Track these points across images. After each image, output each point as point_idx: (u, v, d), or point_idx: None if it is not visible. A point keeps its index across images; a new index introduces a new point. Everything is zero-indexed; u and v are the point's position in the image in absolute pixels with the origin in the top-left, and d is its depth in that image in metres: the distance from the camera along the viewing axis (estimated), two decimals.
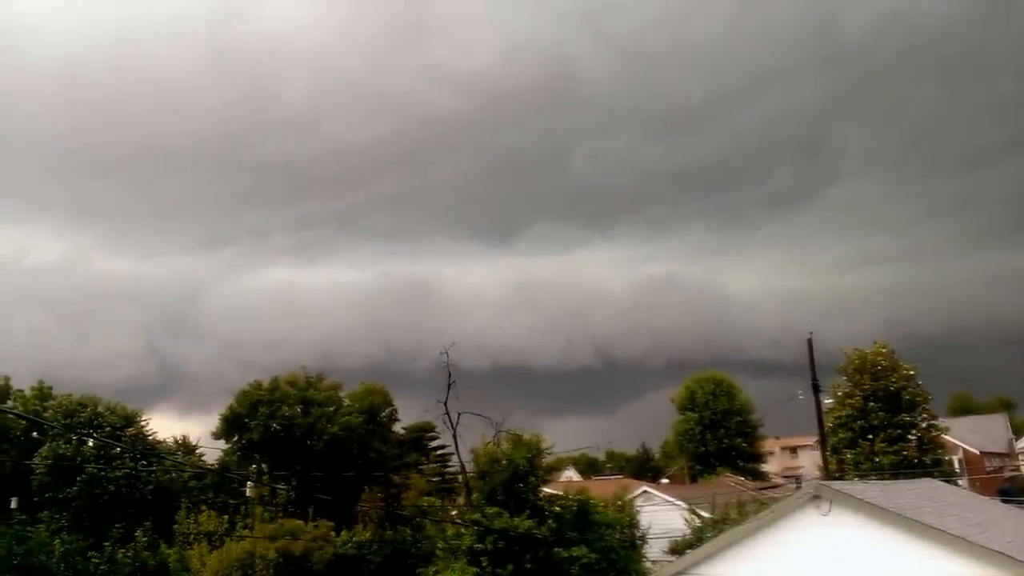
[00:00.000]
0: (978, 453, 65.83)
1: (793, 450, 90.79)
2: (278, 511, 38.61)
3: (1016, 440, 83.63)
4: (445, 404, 31.97)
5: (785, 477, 75.67)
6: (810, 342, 37.36)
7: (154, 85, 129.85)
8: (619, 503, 32.79)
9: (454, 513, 30.30)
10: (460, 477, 35.73)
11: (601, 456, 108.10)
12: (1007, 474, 69.47)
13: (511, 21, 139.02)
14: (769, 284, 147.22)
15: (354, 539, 34.54)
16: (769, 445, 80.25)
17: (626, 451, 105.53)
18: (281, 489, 40.72)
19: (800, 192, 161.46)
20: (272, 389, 45.60)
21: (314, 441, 44.25)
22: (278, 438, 43.56)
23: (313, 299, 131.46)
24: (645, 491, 43.47)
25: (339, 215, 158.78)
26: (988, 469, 65.03)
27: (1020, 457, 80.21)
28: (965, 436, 64.42)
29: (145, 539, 34.79)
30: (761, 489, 40.92)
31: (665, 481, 60.84)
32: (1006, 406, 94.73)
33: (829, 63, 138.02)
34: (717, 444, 67.70)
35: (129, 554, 33.48)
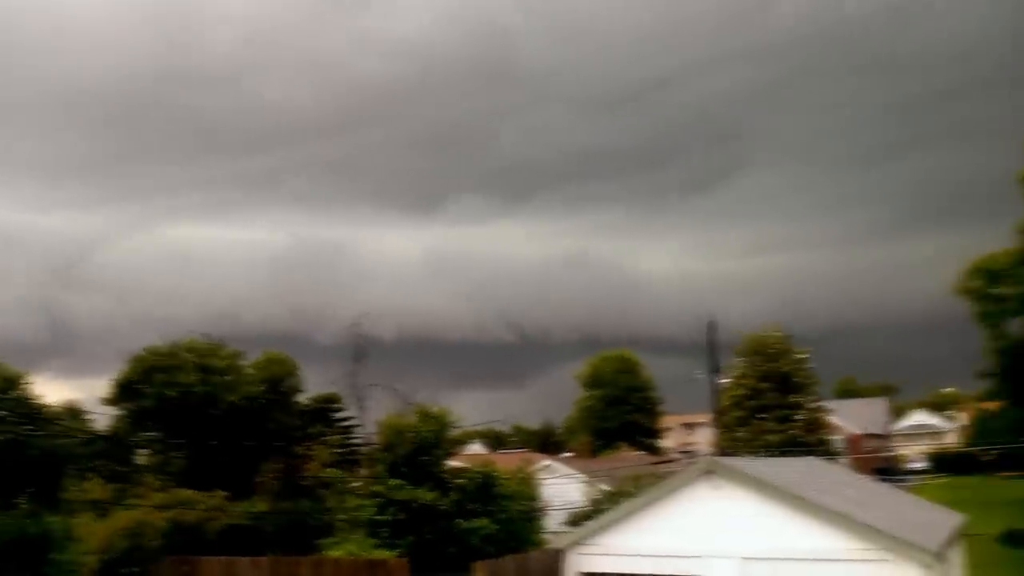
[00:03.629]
0: (859, 434, 70.15)
1: (690, 427, 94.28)
2: (171, 481, 37.43)
3: (894, 423, 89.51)
4: (352, 375, 31.57)
5: (681, 452, 78.55)
6: (709, 325, 38.69)
7: (60, 25, 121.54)
8: (522, 476, 33.29)
9: (355, 485, 30.10)
10: (364, 449, 35.48)
11: (507, 430, 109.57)
12: (884, 454, 74.31)
13: None
14: (678, 265, 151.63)
15: (250, 510, 33.87)
16: (668, 422, 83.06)
17: (532, 425, 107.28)
18: (175, 457, 39.47)
19: (712, 178, 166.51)
20: (170, 354, 43.94)
21: (213, 410, 42.98)
22: (174, 406, 42.11)
23: (220, 260, 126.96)
24: (548, 464, 44.33)
25: (257, 176, 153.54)
26: (867, 449, 69.35)
27: (897, 439, 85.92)
28: (848, 418, 68.44)
29: (27, 506, 33.10)
30: (657, 464, 42.37)
31: (568, 455, 62.18)
32: (887, 391, 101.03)
33: (750, 55, 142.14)
34: (619, 420, 69.63)
35: (9, 521, 31.79)
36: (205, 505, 32.78)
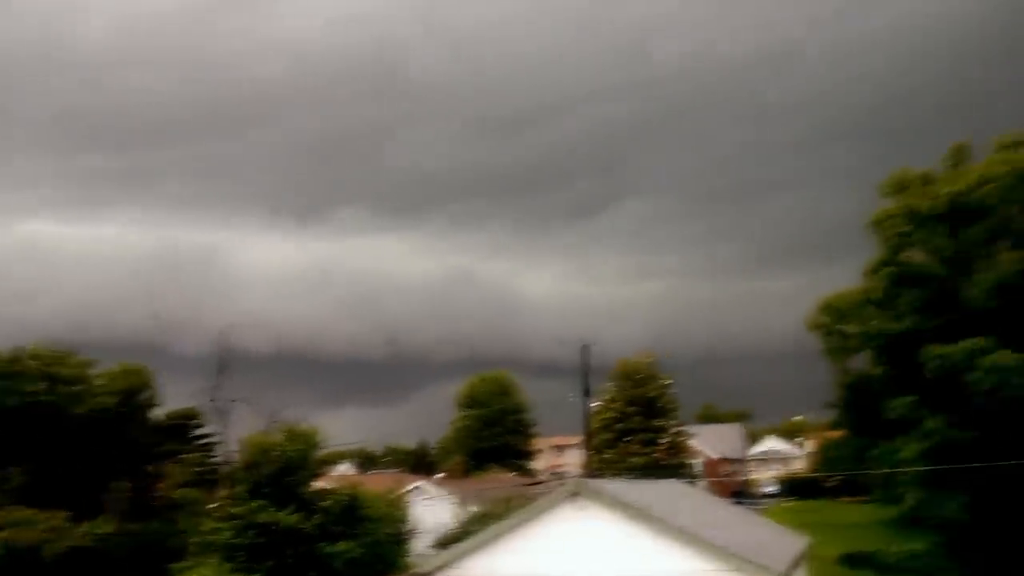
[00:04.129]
0: (717, 458, 73.58)
1: (561, 449, 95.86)
2: (6, 498, 34.39)
3: (748, 448, 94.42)
4: (215, 389, 30.18)
5: (552, 474, 79.75)
6: (584, 349, 39.63)
7: None
8: (391, 498, 32.76)
9: (213, 506, 28.66)
10: (225, 468, 33.90)
11: (381, 450, 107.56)
12: (739, 478, 78.18)
13: None
14: (560, 288, 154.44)
15: (94, 531, 31.56)
16: (540, 443, 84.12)
17: (407, 445, 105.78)
18: (12, 472, 36.33)
19: (595, 205, 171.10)
20: (12, 360, 40.53)
21: (58, 422, 39.90)
22: (15, 416, 38.81)
23: (81, 260, 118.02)
24: (419, 486, 43.85)
25: (130, 173, 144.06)
26: (724, 473, 72.79)
27: (751, 464, 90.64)
28: (707, 443, 71.66)
29: None
30: (528, 485, 42.82)
31: (441, 476, 61.74)
32: (743, 417, 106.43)
33: (634, 90, 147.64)
34: (493, 441, 69.92)
35: None
36: (44, 525, 30.30)
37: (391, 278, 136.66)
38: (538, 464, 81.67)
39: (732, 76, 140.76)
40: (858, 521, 44.25)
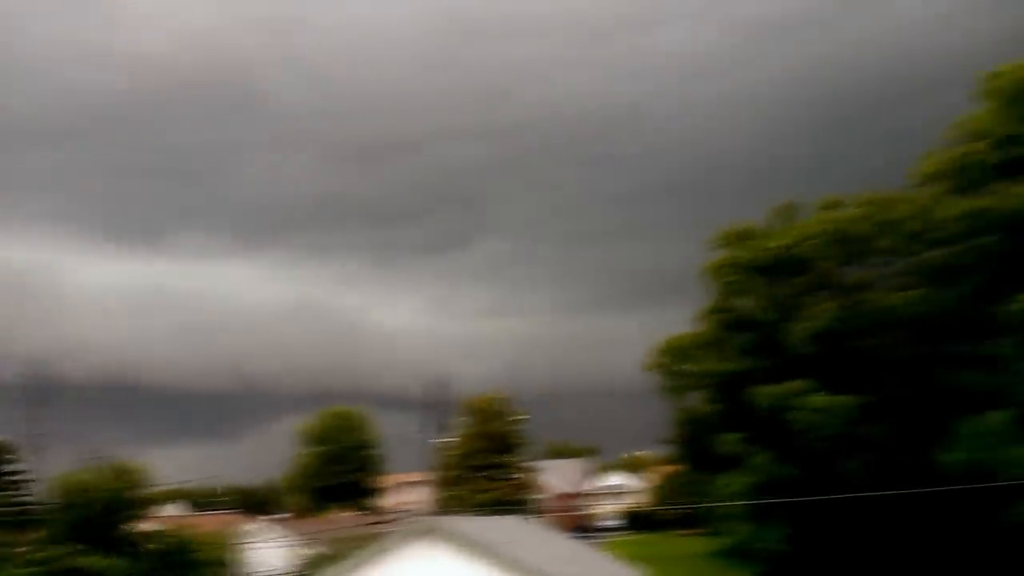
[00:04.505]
0: (563, 493, 75.05)
1: (410, 485, 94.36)
2: None
3: (593, 483, 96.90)
4: (28, 421, 27.45)
5: (399, 512, 78.15)
6: (436, 384, 39.42)
7: None
8: (223, 540, 30.93)
9: (20, 550, 25.86)
10: (36, 508, 30.77)
11: (217, 488, 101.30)
12: (583, 512, 79.99)
13: (192, 11, 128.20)
14: (416, 323, 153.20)
15: None
16: (389, 480, 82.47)
17: (247, 483, 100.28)
18: None
19: (455, 240, 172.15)
20: None
21: None
22: None
23: None
24: (257, 527, 41.70)
25: None
26: (569, 508, 74.25)
27: (594, 498, 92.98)
28: (554, 478, 73.00)
29: None
30: (374, 524, 41.75)
31: (280, 516, 58.94)
32: (588, 453, 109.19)
33: (497, 132, 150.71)
34: (339, 478, 67.76)
35: None
36: None
37: (237, 306, 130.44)
38: (385, 502, 79.93)
39: (585, 126, 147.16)
40: (692, 553, 46.34)
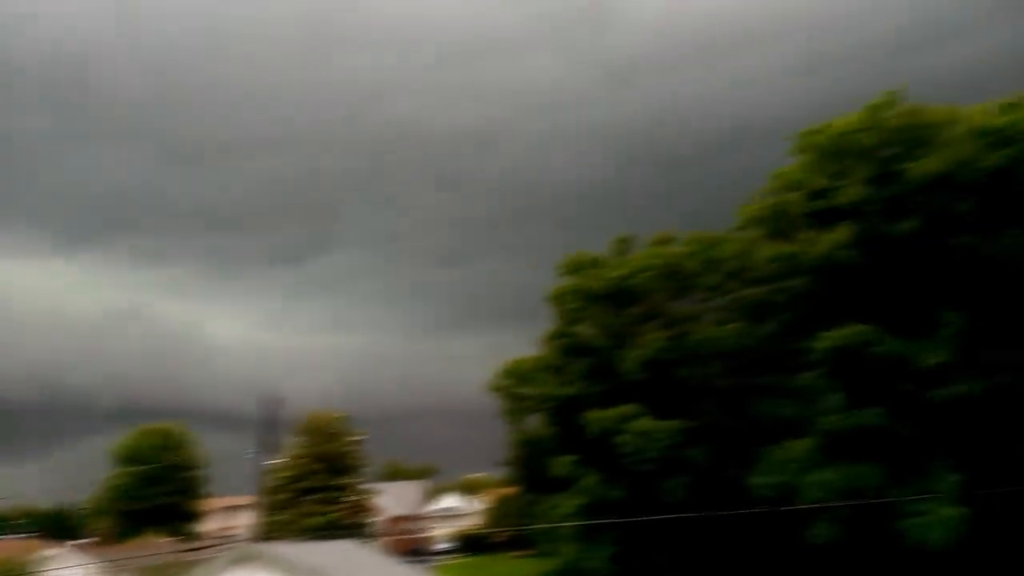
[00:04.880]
0: (398, 516, 73.98)
1: (234, 509, 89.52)
2: None
3: (429, 505, 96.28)
4: None
5: (221, 537, 73.88)
6: (268, 401, 37.83)
7: None
8: (19, 567, 27.96)
9: None
10: None
11: (13, 510, 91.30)
12: (417, 535, 79.21)
13: None
14: (251, 336, 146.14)
15: None
16: (212, 504, 77.85)
17: (48, 506, 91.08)
18: None
19: (300, 252, 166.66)
20: None
21: None
22: None
23: None
24: (59, 553, 37.99)
25: None
26: (404, 531, 73.26)
27: (430, 520, 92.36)
28: (390, 500, 71.84)
29: None
30: (191, 550, 39.18)
31: (87, 541, 53.99)
32: (426, 474, 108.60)
33: (357, 146, 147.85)
34: (156, 501, 63.15)
35: None
36: None
37: (50, 310, 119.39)
38: (206, 527, 75.35)
39: (444, 147, 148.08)
40: (522, 574, 47.02)
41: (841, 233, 28.39)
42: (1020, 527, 27.76)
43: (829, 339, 26.88)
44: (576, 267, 35.34)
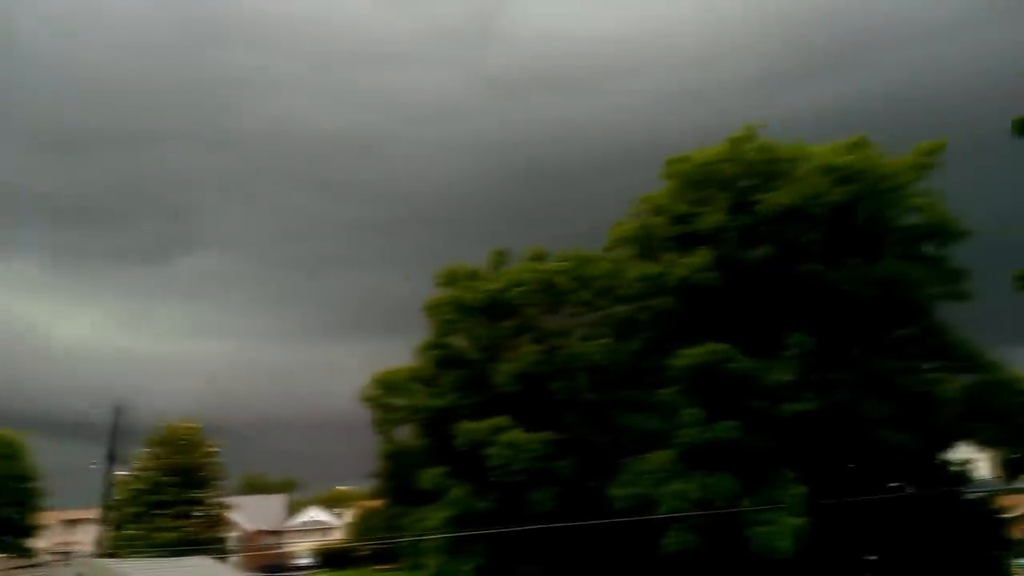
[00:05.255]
0: (257, 531, 71.13)
1: (74, 524, 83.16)
2: None
3: (290, 519, 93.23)
4: None
5: (59, 554, 68.48)
6: (116, 409, 35.61)
7: None
8: None
9: None
10: None
11: None
12: (277, 551, 76.49)
13: None
14: (102, 338, 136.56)
15: None
16: (50, 518, 72.09)
17: None
18: None
19: (160, 251, 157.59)
20: None
21: None
22: None
23: None
24: None
25: None
26: (262, 546, 70.52)
27: (291, 535, 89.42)
28: (248, 514, 69.04)
29: None
30: (21, 568, 36.13)
31: None
32: (289, 487, 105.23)
33: (225, 144, 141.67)
34: None
35: None
36: None
37: None
38: (43, 542, 69.61)
39: (321, 150, 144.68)
40: None
41: (701, 257, 30.03)
42: (855, 535, 30.25)
43: (688, 356, 28.32)
44: (453, 278, 35.47)
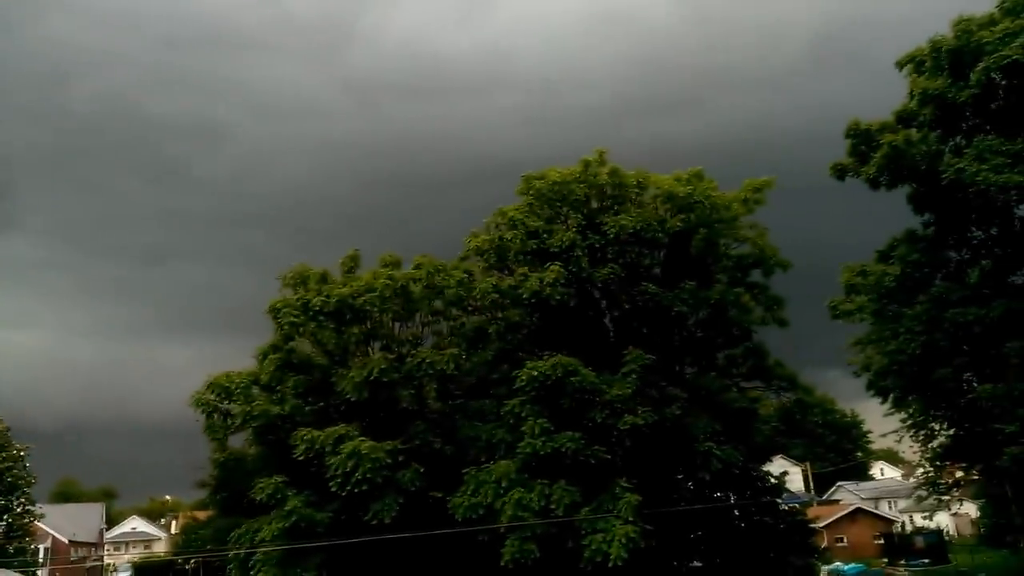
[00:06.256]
0: (67, 542, 65.39)
1: None
2: None
3: (108, 530, 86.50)
4: None
5: None
6: None
7: None
8: None
9: None
10: None
11: None
12: (92, 564, 70.74)
13: None
14: None
15: None
16: None
17: None
18: None
19: None
20: None
21: None
22: None
23: None
24: None
25: None
26: (75, 558, 64.97)
27: (108, 547, 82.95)
28: (60, 524, 63.41)
29: None
30: None
31: None
32: (107, 495, 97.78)
33: (46, 117, 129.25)
34: None
35: None
36: None
37: None
38: None
39: (161, 136, 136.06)
40: None
41: (553, 273, 30.96)
42: (681, 543, 32.15)
43: (535, 368, 29.06)
44: (300, 280, 34.41)
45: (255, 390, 32.61)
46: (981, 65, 26.63)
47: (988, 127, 28.06)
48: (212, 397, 32.28)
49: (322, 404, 32.50)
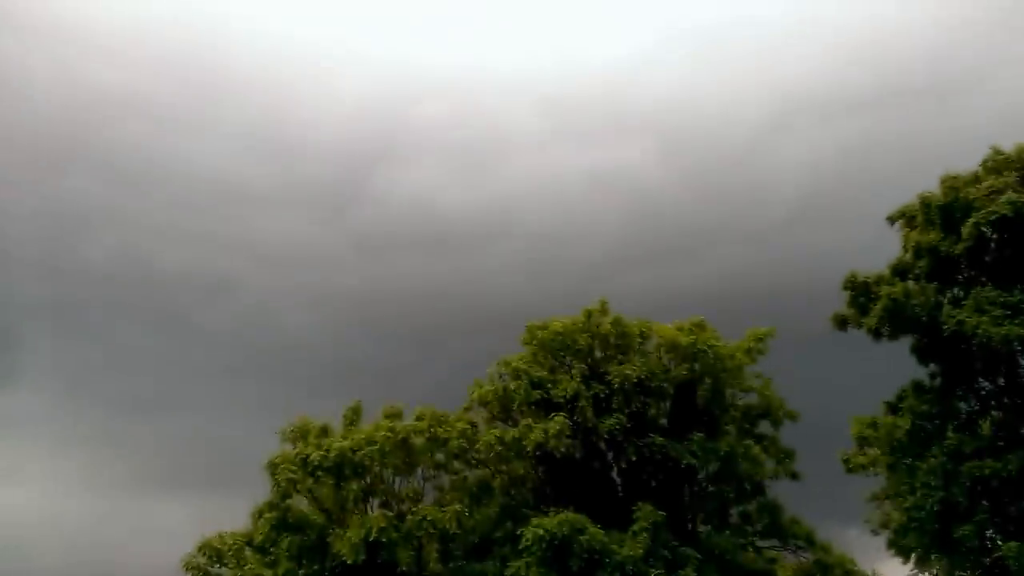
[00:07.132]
0: None
1: None
2: None
3: None
4: None
5: None
6: None
7: None
8: None
9: None
10: None
11: None
12: None
13: None
14: None
15: None
16: None
17: None
18: None
19: None
20: None
21: None
22: None
23: None
24: None
25: None
26: None
27: None
28: None
29: None
30: None
31: None
32: None
33: (54, 272, 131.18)
34: None
35: None
36: None
37: None
38: None
39: (163, 286, 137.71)
40: None
41: (557, 423, 30.44)
42: None
43: (540, 526, 27.94)
44: (301, 433, 33.70)
45: (248, 552, 31.21)
46: (971, 220, 27.39)
47: (983, 279, 28.51)
48: (203, 560, 30.91)
49: (317, 567, 31.00)
